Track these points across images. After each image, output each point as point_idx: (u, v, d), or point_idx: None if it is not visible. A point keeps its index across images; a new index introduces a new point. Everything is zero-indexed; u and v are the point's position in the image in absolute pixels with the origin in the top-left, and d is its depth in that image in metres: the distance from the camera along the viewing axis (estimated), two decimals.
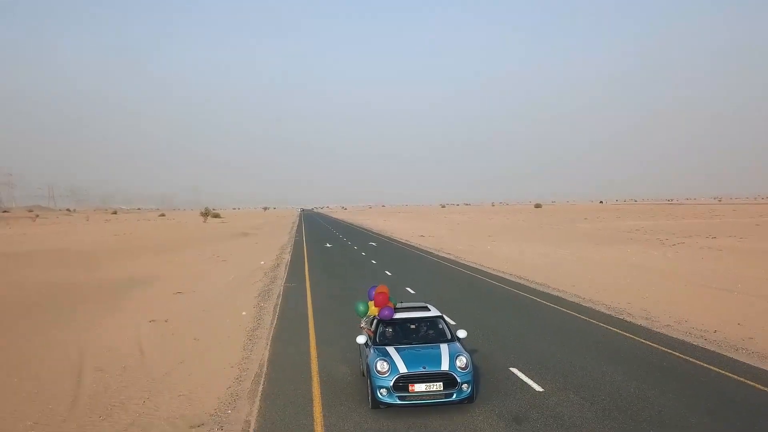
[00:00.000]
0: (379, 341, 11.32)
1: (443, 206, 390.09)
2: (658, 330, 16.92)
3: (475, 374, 11.21)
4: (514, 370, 12.89)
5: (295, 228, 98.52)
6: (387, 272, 32.49)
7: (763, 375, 12.38)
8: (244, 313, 21.33)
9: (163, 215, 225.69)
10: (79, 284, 30.26)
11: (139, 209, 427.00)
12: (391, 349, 10.80)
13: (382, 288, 12.22)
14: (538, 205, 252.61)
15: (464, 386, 10.24)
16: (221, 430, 10.06)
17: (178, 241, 68.29)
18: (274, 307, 22.16)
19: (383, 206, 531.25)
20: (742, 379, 12.10)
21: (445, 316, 12.14)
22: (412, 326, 11.72)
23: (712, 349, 14.68)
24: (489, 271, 32.69)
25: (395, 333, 11.55)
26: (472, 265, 36.02)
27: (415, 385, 10.11)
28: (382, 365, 10.33)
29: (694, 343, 15.24)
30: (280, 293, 25.66)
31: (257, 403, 11.33)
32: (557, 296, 23.35)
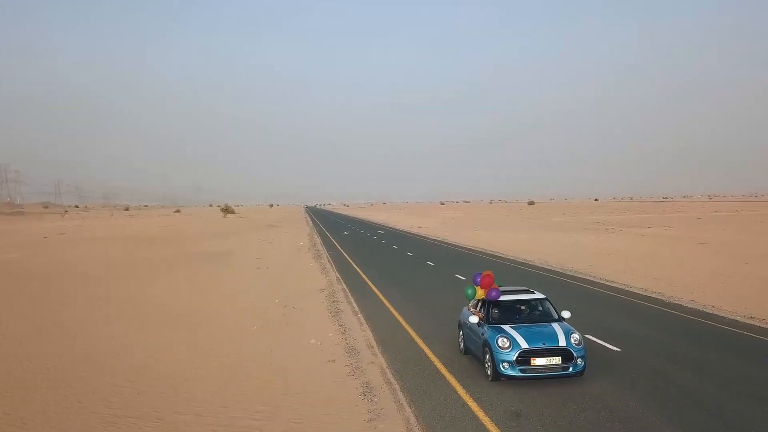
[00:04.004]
0: (492, 320, 12.40)
1: (442, 203, 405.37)
2: (547, 267, 31.69)
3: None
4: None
5: (310, 222, 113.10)
6: (394, 246, 47.44)
7: (581, 279, 27.12)
8: (311, 264, 35.90)
9: (178, 211, 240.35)
10: (188, 255, 44.82)
11: (146, 206, 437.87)
12: (507, 327, 11.86)
13: (488, 272, 13.39)
14: (531, 203, 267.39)
15: (578, 360, 11.32)
16: (332, 289, 24.68)
17: (219, 231, 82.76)
18: (328, 262, 36.82)
19: (384, 203, 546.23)
20: (574, 282, 26.83)
21: (549, 299, 13.28)
22: (522, 307, 12.90)
23: (571, 274, 29.23)
24: (464, 245, 47.51)
25: (506, 313, 12.62)
26: (453, 242, 51.01)
27: (537, 359, 11.20)
28: (503, 341, 11.38)
29: (565, 272, 29.78)
30: (328, 257, 40.27)
31: (343, 284, 26.13)
32: (501, 256, 38.16)
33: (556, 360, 11.22)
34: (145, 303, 23.06)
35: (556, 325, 11.98)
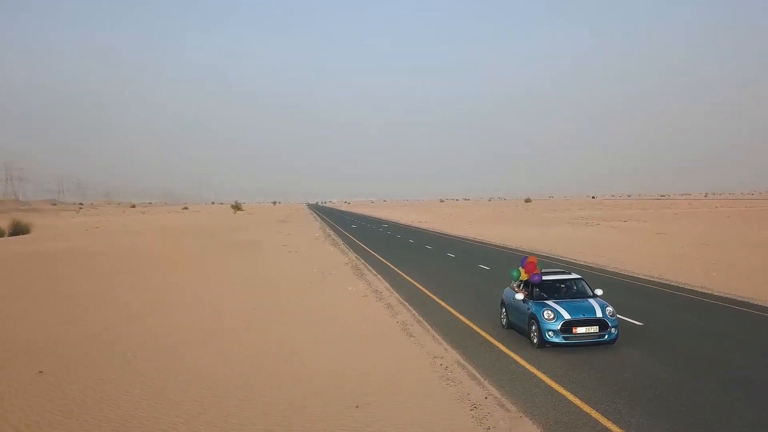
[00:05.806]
0: (536, 297, 14.23)
1: (442, 201, 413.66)
2: (519, 249, 39.75)
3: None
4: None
5: (318, 217, 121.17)
6: (398, 236, 55.76)
7: (541, 256, 35.17)
8: (331, 249, 43.93)
9: (186, 208, 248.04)
10: (228, 243, 52.81)
11: (150, 203, 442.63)
12: (550, 302, 13.73)
13: (532, 258, 15.29)
14: (528, 200, 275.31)
15: (613, 329, 13.24)
16: (353, 263, 32.70)
17: (237, 225, 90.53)
18: (345, 246, 44.89)
19: (384, 201, 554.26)
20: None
21: (584, 279, 15.28)
22: (562, 285, 14.72)
23: (543, 253, 37.20)
24: (458, 235, 55.67)
25: (549, 290, 14.46)
26: (448, 233, 59.30)
27: (578, 328, 13.07)
28: (548, 314, 13.28)
29: (531, 252, 37.84)
30: (343, 244, 48.33)
31: (362, 260, 34.29)
32: (485, 242, 46.39)
33: (594, 329, 13.09)
34: (239, 272, 31.16)
35: (592, 300, 13.86)
